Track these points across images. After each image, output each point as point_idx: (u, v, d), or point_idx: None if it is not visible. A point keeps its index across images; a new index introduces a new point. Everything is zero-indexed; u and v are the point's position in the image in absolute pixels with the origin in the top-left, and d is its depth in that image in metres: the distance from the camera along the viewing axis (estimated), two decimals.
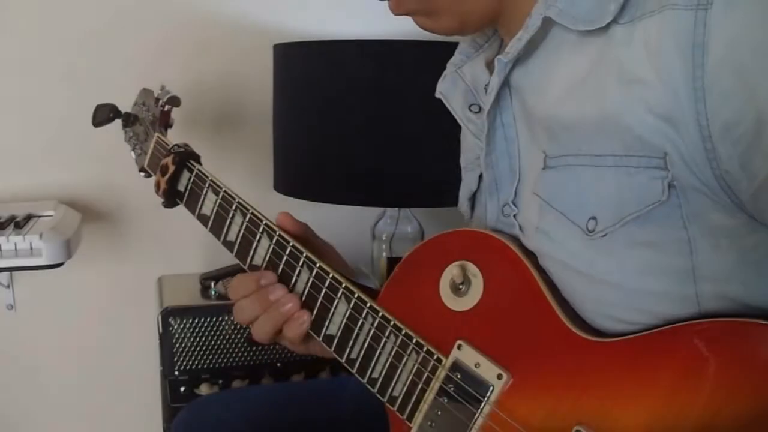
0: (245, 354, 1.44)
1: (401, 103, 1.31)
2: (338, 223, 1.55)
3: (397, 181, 1.34)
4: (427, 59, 1.28)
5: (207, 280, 1.50)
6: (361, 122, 1.34)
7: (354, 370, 0.78)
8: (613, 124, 0.59)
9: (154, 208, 1.61)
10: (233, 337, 1.42)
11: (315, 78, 1.36)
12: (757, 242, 0.58)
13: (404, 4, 0.72)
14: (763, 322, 0.54)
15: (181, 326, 1.39)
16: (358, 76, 1.33)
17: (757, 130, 0.53)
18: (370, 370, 0.77)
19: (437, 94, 0.82)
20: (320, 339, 0.81)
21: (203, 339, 1.41)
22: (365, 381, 0.77)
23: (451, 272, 0.70)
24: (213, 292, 1.48)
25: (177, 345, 1.40)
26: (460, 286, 0.70)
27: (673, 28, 0.54)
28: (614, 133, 0.59)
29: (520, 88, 0.69)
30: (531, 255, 0.68)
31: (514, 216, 0.71)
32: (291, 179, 1.46)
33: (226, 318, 1.41)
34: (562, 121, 0.64)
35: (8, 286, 1.61)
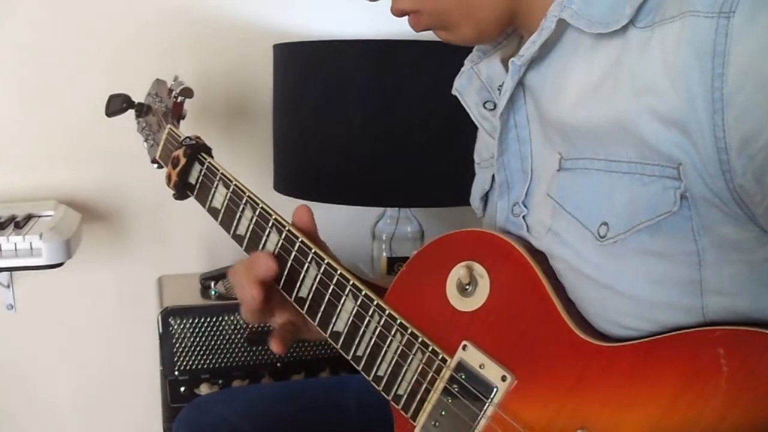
0: (245, 354, 1.44)
1: (401, 103, 1.32)
2: (338, 223, 1.55)
3: (397, 181, 1.35)
4: (427, 59, 1.30)
5: (207, 280, 1.50)
6: (361, 122, 1.34)
7: (360, 367, 0.79)
8: (626, 132, 0.58)
9: (155, 208, 1.64)
10: (233, 337, 1.42)
11: (315, 78, 1.37)
12: (767, 256, 0.57)
13: (422, 22, 0.74)
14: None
15: (181, 326, 1.39)
16: (358, 76, 1.34)
17: None
18: (375, 367, 0.77)
19: (453, 91, 0.82)
20: (327, 335, 0.81)
21: (203, 339, 1.41)
22: (370, 378, 0.78)
23: (458, 272, 0.70)
24: (213, 292, 1.48)
25: (177, 345, 1.40)
26: (467, 287, 0.70)
27: (692, 35, 0.53)
28: (628, 140, 0.59)
29: (534, 90, 0.69)
30: (539, 256, 0.68)
31: (523, 217, 0.71)
32: (291, 179, 1.46)
33: (226, 318, 1.41)
34: (576, 126, 0.63)
35: (8, 286, 1.60)
